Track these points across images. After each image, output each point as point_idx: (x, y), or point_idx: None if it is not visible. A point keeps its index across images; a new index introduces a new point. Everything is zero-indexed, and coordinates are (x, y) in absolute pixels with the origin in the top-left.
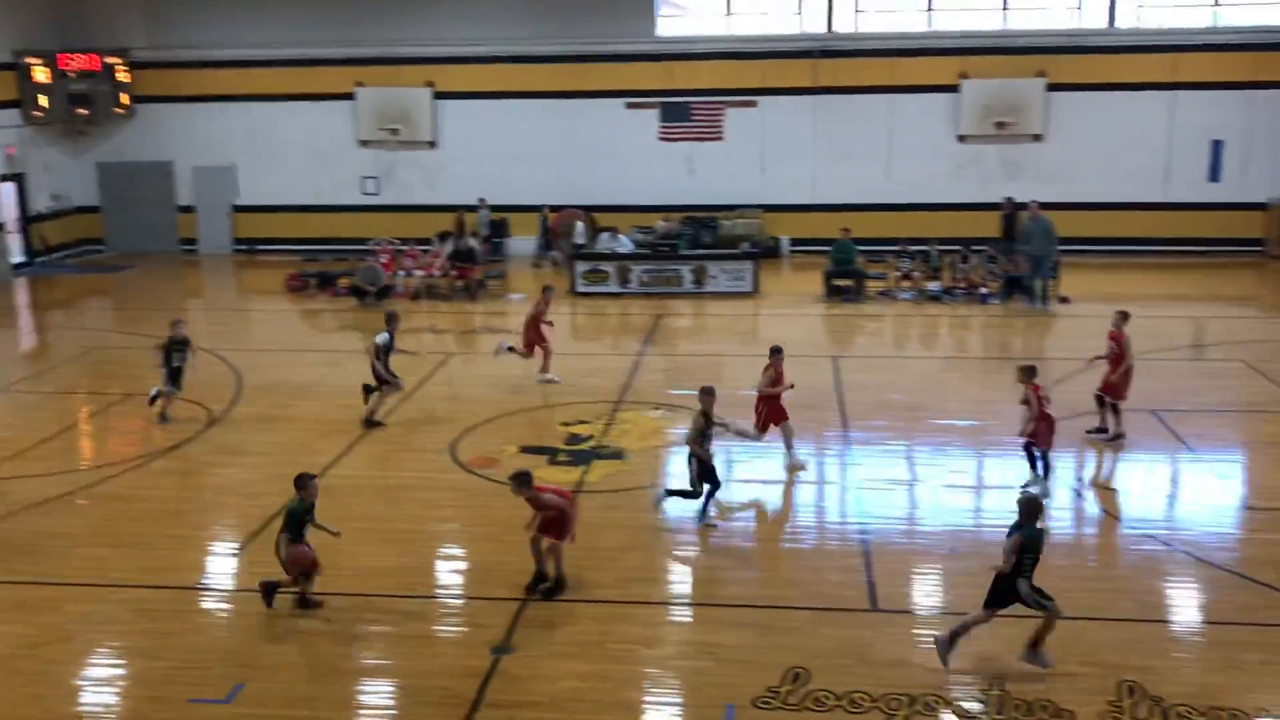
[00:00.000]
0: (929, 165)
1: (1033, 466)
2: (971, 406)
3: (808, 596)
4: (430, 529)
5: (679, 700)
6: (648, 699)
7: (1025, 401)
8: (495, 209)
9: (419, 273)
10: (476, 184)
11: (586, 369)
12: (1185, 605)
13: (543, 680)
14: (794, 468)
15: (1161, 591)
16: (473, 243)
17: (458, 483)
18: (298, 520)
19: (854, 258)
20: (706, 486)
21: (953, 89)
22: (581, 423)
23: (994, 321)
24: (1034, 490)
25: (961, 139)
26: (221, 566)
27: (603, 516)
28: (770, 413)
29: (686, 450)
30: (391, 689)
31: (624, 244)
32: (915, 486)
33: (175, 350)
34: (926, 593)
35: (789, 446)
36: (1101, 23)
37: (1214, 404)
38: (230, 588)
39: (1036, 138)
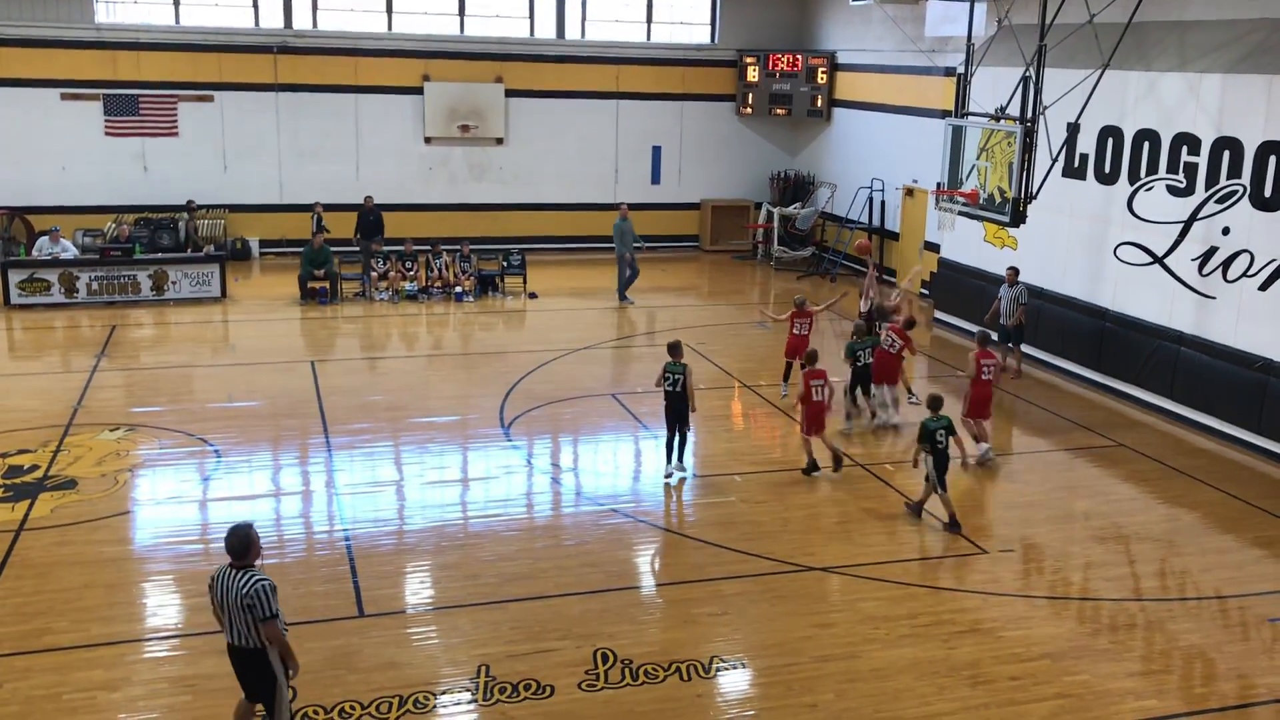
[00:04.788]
0: (399, 165)
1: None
2: (451, 403)
3: (293, 611)
4: None
5: None
6: None
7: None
8: None
9: None
10: None
11: (27, 390)
12: (646, 571)
13: None
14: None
15: (627, 561)
16: None
17: None
18: None
19: (329, 260)
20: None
21: (417, 91)
22: (23, 452)
23: (469, 318)
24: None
25: (428, 140)
26: None
27: (56, 554)
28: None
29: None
30: None
31: (66, 248)
32: (398, 486)
33: None
34: (413, 591)
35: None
36: (551, 34)
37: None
38: None
39: (499, 141)
